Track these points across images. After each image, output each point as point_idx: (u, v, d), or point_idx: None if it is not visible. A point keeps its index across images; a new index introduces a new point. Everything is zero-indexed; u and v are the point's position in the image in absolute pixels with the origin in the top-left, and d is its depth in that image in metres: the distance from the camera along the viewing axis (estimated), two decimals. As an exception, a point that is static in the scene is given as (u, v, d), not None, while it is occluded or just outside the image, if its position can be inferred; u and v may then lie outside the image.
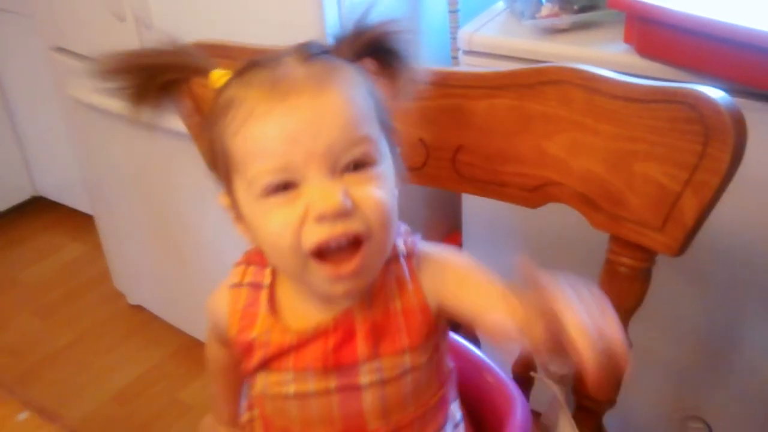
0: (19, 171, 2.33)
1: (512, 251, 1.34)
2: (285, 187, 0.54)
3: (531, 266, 0.45)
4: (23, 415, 0.62)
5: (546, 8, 1.18)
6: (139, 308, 1.93)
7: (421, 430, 0.65)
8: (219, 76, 0.60)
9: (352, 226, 0.54)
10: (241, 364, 0.66)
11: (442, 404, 0.67)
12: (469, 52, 1.22)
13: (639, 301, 0.70)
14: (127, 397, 1.69)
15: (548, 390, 0.78)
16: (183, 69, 0.62)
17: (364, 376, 0.60)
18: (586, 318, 0.42)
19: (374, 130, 0.57)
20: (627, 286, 0.69)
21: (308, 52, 0.57)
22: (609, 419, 1.37)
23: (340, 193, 0.53)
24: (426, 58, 1.43)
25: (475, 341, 0.83)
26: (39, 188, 2.38)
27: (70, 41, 1.57)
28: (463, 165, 0.76)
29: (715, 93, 0.58)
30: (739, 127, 0.57)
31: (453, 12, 1.35)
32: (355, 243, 0.54)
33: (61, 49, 1.60)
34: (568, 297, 0.44)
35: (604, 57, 1.10)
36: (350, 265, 0.54)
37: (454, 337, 0.79)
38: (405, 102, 0.64)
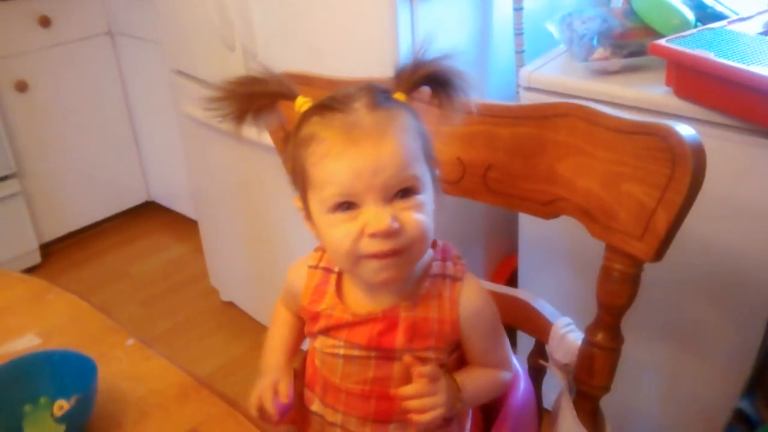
0: (137, 178, 2.63)
1: (562, 270, 1.46)
2: (348, 206, 0.71)
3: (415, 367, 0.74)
4: (130, 341, 0.81)
5: (598, 52, 1.31)
6: (230, 304, 2.14)
7: None
8: (302, 102, 0.76)
9: (397, 243, 0.70)
10: (306, 327, 0.84)
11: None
12: (528, 89, 1.37)
13: (629, 301, 0.82)
14: (210, 382, 1.89)
15: (558, 386, 0.91)
16: (274, 95, 0.77)
17: (398, 357, 0.77)
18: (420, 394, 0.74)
19: (420, 167, 0.73)
20: (618, 289, 0.81)
21: (375, 100, 0.72)
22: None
23: (390, 217, 0.69)
24: (492, 92, 1.58)
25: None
26: (152, 194, 2.67)
27: (188, 66, 1.81)
28: (492, 181, 0.91)
29: (682, 128, 0.71)
30: (698, 156, 0.70)
31: (519, 52, 1.50)
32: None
33: (180, 72, 1.84)
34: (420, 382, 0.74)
35: (646, 98, 1.22)
36: (392, 263, 0.72)
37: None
38: (453, 125, 0.79)
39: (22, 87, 2.25)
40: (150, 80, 2.34)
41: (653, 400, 1.44)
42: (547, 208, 0.87)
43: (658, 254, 0.76)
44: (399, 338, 0.77)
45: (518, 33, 1.49)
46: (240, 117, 0.76)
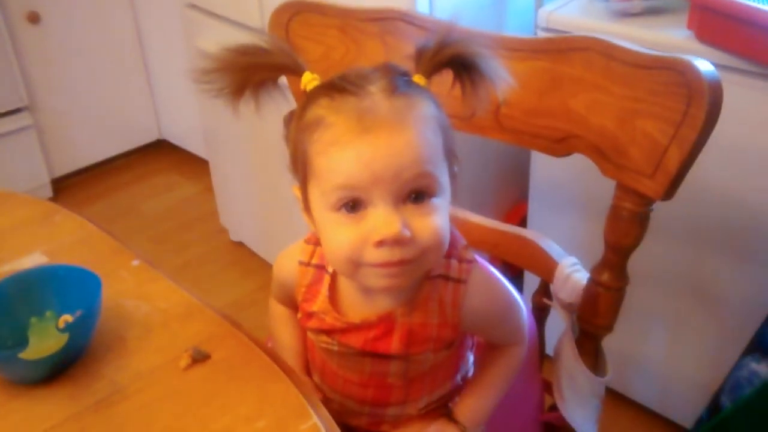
0: (149, 116, 2.62)
1: (573, 217, 1.45)
2: (353, 206, 0.62)
3: None
4: (136, 262, 0.82)
5: (620, -7, 1.28)
6: (239, 244, 2.16)
7: (432, 380, 0.80)
8: (309, 79, 0.67)
9: (407, 254, 0.63)
10: (299, 317, 0.79)
11: (455, 363, 0.82)
12: (546, 29, 1.34)
13: (637, 241, 0.81)
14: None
15: (562, 325, 0.91)
16: (277, 68, 0.68)
17: (393, 358, 0.75)
18: None
19: (439, 166, 0.64)
20: (627, 228, 0.81)
21: (394, 84, 0.63)
22: (648, 393, 1.46)
23: (400, 223, 0.61)
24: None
25: (502, 272, 0.97)
26: (164, 132, 2.66)
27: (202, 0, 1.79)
28: (504, 117, 0.90)
29: (700, 63, 0.70)
30: (714, 91, 0.68)
31: (539, -7, 1.46)
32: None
33: (192, 6, 1.81)
34: None
35: (667, 41, 1.19)
36: (397, 274, 0.64)
37: (483, 261, 0.93)
38: (479, 111, 0.69)
39: (34, 18, 2.23)
40: (163, 15, 2.31)
41: (658, 350, 1.44)
42: (560, 146, 0.86)
43: (668, 193, 0.75)
44: (395, 344, 0.73)
45: (538, -27, 1.45)
46: (238, 91, 0.67)
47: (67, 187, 2.50)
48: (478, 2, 1.44)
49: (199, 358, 0.69)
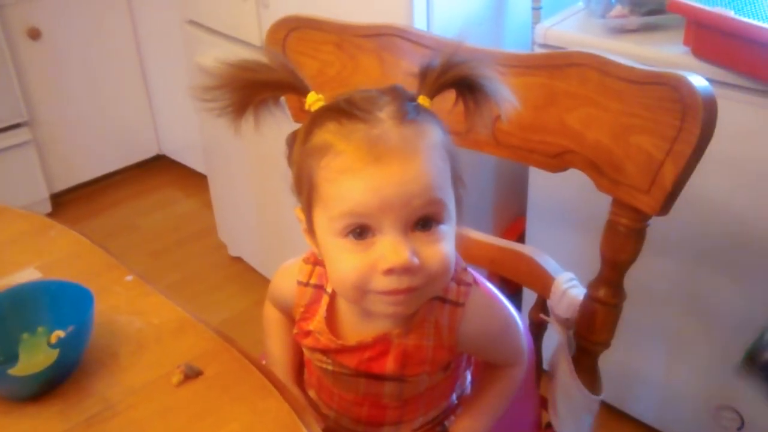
0: (148, 131, 2.62)
1: (570, 234, 1.44)
2: (360, 232, 0.62)
3: None
4: (129, 278, 0.82)
5: (617, 9, 1.29)
6: (238, 259, 2.15)
7: (428, 401, 0.79)
8: (314, 100, 0.67)
9: (414, 281, 0.63)
10: (295, 332, 0.79)
11: (451, 383, 0.81)
12: (544, 45, 1.34)
13: (633, 256, 0.81)
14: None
15: (558, 341, 0.91)
16: (279, 87, 0.67)
17: (388, 379, 0.74)
18: None
19: (447, 192, 0.64)
20: (624, 243, 0.81)
21: (403, 110, 0.63)
22: (646, 408, 1.45)
23: (409, 251, 0.61)
24: (507, 49, 1.56)
25: (500, 288, 0.97)
26: (163, 148, 2.67)
27: (201, 16, 1.79)
28: (500, 133, 0.89)
29: (695, 79, 0.70)
30: (709, 107, 0.68)
31: (536, 9, 1.47)
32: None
33: (193, 22, 1.82)
34: None
35: (664, 57, 1.19)
36: (404, 301, 0.65)
37: (482, 280, 0.93)
38: (481, 130, 0.69)
39: (34, 34, 2.24)
40: (162, 30, 2.32)
41: (655, 365, 1.43)
42: (556, 161, 0.86)
43: (664, 208, 0.75)
44: (389, 365, 0.72)
45: (536, -11, 1.46)
46: (240, 110, 0.66)
47: (66, 202, 2.50)
48: (475, 18, 1.44)
49: (192, 374, 0.69)
